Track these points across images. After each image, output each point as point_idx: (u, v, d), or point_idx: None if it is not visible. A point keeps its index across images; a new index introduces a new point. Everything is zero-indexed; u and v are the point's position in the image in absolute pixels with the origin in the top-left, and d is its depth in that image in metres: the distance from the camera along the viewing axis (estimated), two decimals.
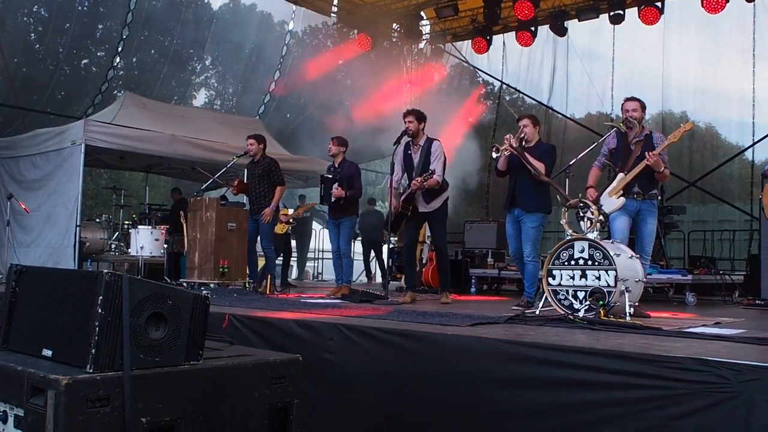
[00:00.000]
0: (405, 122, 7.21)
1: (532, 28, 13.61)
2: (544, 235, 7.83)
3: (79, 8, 12.50)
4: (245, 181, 8.78)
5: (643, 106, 6.14)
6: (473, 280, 10.06)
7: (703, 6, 11.39)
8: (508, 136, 6.50)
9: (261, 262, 9.29)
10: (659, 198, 7.00)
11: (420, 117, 7.22)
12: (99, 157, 11.12)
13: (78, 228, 9.65)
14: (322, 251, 15.87)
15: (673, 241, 11.65)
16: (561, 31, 13.55)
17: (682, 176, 12.15)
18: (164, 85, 13.85)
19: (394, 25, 15.72)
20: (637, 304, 5.30)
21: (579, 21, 13.31)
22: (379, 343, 4.26)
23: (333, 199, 7.90)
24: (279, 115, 14.96)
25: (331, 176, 8.06)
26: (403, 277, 9.38)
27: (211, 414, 2.92)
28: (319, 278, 15.79)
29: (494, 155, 6.63)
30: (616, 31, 13.41)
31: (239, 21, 14.26)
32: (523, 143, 6.50)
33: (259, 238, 8.62)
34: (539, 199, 6.55)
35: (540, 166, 6.39)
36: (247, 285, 8.44)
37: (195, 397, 2.88)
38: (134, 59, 13.13)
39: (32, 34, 12.43)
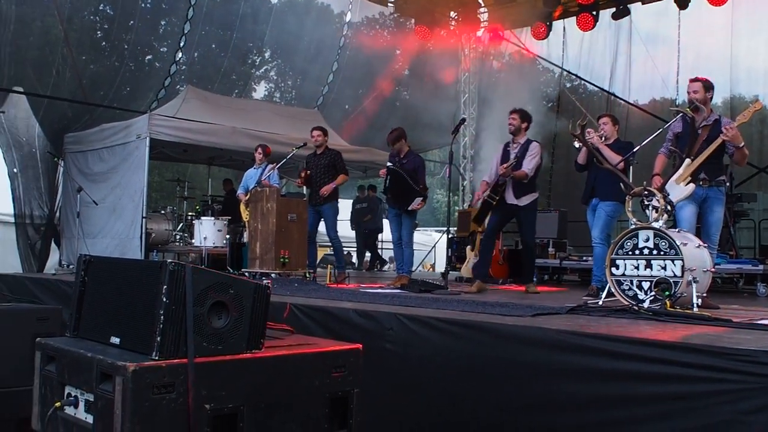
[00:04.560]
0: (509, 119, 7.39)
1: (594, 12, 13.32)
2: None
3: (143, 5, 12.76)
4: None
5: (706, 87, 5.88)
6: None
7: None
8: (590, 130, 6.68)
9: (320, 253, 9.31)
10: (728, 185, 6.78)
11: (524, 116, 7.40)
12: (163, 150, 11.37)
13: (144, 219, 9.92)
14: (382, 241, 15.87)
15: (743, 229, 11.27)
16: (624, 14, 13.22)
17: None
18: (225, 79, 14.05)
19: (452, 13, 15.61)
20: (705, 295, 5.14)
21: (643, 4, 12.98)
22: (438, 333, 4.25)
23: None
24: (337, 106, 15.03)
25: (392, 165, 8.04)
26: (468, 265, 9.42)
27: (272, 402, 2.96)
28: (379, 268, 15.80)
29: (576, 145, 6.86)
30: (681, 14, 13.00)
31: (298, 13, 14.35)
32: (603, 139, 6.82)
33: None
34: (616, 189, 6.45)
35: (614, 157, 6.45)
36: (307, 275, 8.50)
37: (257, 385, 2.92)
38: (195, 54, 13.34)
39: (98, 32, 12.70)
